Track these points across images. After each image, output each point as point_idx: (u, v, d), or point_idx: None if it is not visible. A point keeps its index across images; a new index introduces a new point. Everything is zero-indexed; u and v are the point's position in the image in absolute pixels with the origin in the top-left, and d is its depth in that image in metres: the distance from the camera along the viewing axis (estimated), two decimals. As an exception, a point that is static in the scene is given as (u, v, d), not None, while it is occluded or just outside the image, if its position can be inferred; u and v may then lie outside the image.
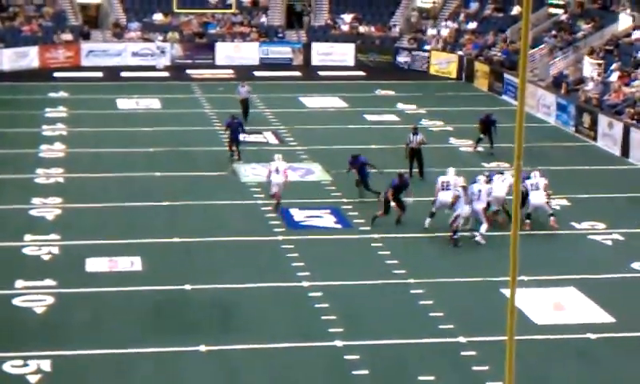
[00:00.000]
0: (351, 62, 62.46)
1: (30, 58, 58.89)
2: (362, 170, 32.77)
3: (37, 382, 20.24)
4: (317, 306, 24.34)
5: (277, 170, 32.04)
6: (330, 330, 22.88)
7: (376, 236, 29.16)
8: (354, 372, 20.94)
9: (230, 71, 58.96)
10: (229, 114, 39.36)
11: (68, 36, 61.51)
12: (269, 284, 25.78)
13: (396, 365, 21.40)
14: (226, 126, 38.33)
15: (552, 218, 30.42)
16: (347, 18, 66.10)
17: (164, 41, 61.66)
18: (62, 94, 51.17)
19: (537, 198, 30.27)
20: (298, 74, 59.67)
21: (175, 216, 31.31)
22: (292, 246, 28.45)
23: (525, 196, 30.15)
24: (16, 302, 24.21)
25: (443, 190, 29.88)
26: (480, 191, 29.38)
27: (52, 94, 50.78)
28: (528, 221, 30.10)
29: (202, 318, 23.57)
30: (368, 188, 32.50)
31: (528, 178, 30.62)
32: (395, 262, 27.35)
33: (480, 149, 39.93)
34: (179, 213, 31.63)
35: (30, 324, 23.10)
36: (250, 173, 36.01)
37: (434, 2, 66.87)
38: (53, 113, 46.28)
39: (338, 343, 22.24)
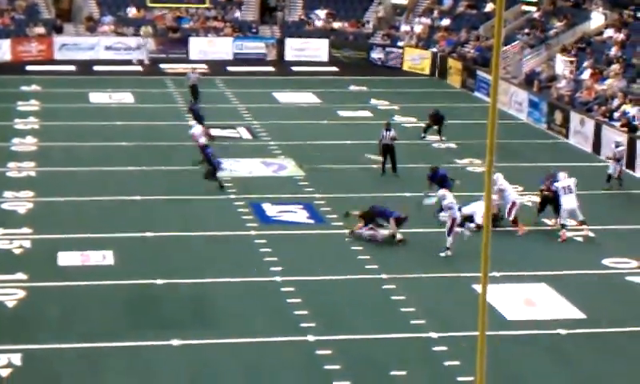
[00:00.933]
0: (325, 58, 62.54)
1: (2, 50, 58.58)
2: (446, 184, 30.56)
3: (7, 376, 20.14)
4: (289, 300, 24.34)
5: None
6: (303, 325, 22.88)
7: (348, 231, 29.17)
8: (327, 366, 20.93)
9: (204, 66, 58.80)
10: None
11: (41, 29, 61.24)
12: (242, 279, 25.74)
13: (368, 359, 21.42)
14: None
15: (563, 230, 29.43)
16: (321, 13, 66.17)
17: (137, 35, 61.44)
18: (35, 87, 50.97)
19: (570, 202, 29.23)
20: (271, 69, 59.67)
21: (148, 211, 31.24)
22: (265, 241, 28.43)
23: (551, 200, 29.88)
24: (-14, 295, 24.13)
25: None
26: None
27: (24, 88, 50.60)
28: (564, 230, 29.28)
29: (174, 313, 23.51)
30: None
31: (555, 180, 29.99)
32: (368, 257, 27.39)
33: (452, 145, 40.15)
34: (152, 207, 31.56)
35: (1, 318, 22.97)
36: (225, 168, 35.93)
37: (407, -2, 67.03)
38: (25, 106, 46.10)
39: (311, 338, 22.25)
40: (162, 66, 58.80)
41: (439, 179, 31.15)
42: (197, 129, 36.39)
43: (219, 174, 33.42)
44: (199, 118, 39.96)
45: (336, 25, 65.37)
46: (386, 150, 35.54)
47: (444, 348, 21.92)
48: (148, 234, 28.92)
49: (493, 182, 28.12)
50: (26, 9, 63.45)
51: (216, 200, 32.35)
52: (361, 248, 28.12)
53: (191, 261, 26.98)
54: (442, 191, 28.81)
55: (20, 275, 25.32)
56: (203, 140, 35.16)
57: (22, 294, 24.24)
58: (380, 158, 35.26)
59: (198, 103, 44.10)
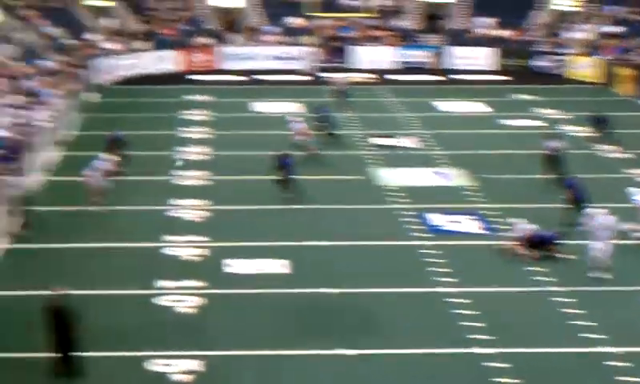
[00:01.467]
0: (488, 66, 61.82)
1: (167, 61, 59.88)
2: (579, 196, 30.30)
3: (181, 382, 20.48)
4: (456, 312, 24.13)
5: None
6: (469, 337, 22.66)
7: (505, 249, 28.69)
8: (494, 379, 20.66)
9: (366, 75, 58.92)
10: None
11: (205, 40, 62.39)
12: (410, 289, 25.65)
13: (538, 373, 21.04)
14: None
15: None
16: (485, 21, 65.49)
17: (300, 44, 61.96)
18: (199, 97, 51.84)
19: None
20: (434, 77, 59.31)
21: (319, 219, 31.36)
22: (432, 251, 28.24)
23: None
24: (158, 301, 24.58)
25: None
26: None
27: (189, 97, 51.50)
28: None
29: (345, 322, 23.54)
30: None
31: None
32: (539, 269, 26.90)
33: (628, 155, 39.13)
34: (322, 216, 31.67)
35: (175, 324, 23.40)
36: (389, 177, 35.85)
37: (573, 5, 65.73)
38: (189, 115, 46.90)
39: (477, 350, 22.00)
40: (324, 74, 59.07)
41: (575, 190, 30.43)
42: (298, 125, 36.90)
43: (290, 186, 33.36)
44: (329, 123, 40.28)
45: (499, 33, 64.61)
46: (551, 161, 34.84)
47: (620, 363, 21.32)
48: (319, 242, 29.02)
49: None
50: (191, 20, 64.79)
51: (381, 210, 32.27)
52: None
53: (360, 270, 26.96)
54: None
55: (196, 282, 25.76)
56: (298, 138, 35.53)
57: (198, 301, 24.63)
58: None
59: (328, 109, 43.69)
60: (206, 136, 42.67)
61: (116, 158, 35.02)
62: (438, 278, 26.19)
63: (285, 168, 33.35)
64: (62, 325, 20.09)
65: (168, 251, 28.26)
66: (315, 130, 40.64)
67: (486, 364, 21.32)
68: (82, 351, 20.54)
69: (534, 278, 26.31)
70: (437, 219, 31.19)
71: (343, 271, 26.85)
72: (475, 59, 62.01)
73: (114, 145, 36.49)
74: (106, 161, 33.31)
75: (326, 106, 43.14)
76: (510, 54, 62.37)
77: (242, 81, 57.25)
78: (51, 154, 37.99)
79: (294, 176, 33.23)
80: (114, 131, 37.69)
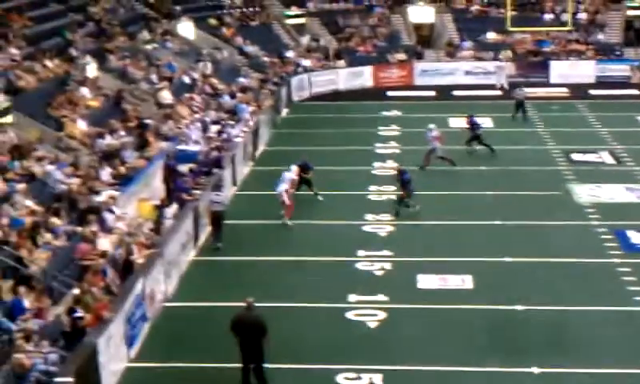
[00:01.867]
0: (692, 80, 59.53)
1: (364, 77, 60.25)
2: None
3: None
4: (656, 331, 23.27)
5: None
6: (671, 357, 21.80)
7: None
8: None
9: (565, 90, 57.74)
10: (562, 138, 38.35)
11: (401, 56, 62.49)
12: (603, 307, 24.86)
13: None
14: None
15: None
16: (689, 33, 63.30)
17: (496, 59, 61.26)
18: (395, 112, 51.86)
19: None
20: (636, 92, 57.51)
21: (506, 235, 30.87)
22: (629, 269, 27.31)
23: None
24: (349, 315, 24.60)
25: None
26: None
27: (385, 113, 51.56)
28: None
29: (533, 340, 23.00)
30: None
31: None
32: None
33: None
34: (510, 232, 31.15)
35: (363, 338, 23.38)
36: (586, 193, 34.97)
37: None
38: (386, 131, 46.94)
39: (679, 371, 21.15)
40: (519, 90, 58.08)
41: None
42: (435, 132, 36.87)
43: (410, 202, 32.80)
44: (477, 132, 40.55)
45: None
46: None
47: None
48: (506, 258, 28.54)
49: None
50: (388, 36, 65.05)
51: (576, 226, 31.48)
52: None
53: (550, 287, 26.33)
54: None
55: (381, 297, 25.70)
56: (434, 144, 35.50)
57: (382, 315, 24.57)
58: None
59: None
60: (398, 151, 42.66)
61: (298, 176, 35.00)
62: (636, 298, 25.29)
63: (404, 183, 33.03)
64: (251, 337, 20.30)
65: (361, 266, 28.33)
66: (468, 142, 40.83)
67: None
68: (269, 363, 20.74)
69: None
70: (634, 237, 30.16)
71: (532, 288, 26.24)
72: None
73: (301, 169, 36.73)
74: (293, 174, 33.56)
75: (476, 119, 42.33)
76: None
77: (438, 96, 56.95)
78: (243, 169, 38.70)
79: (411, 191, 32.94)
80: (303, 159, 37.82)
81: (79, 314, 21.49)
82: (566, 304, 25.03)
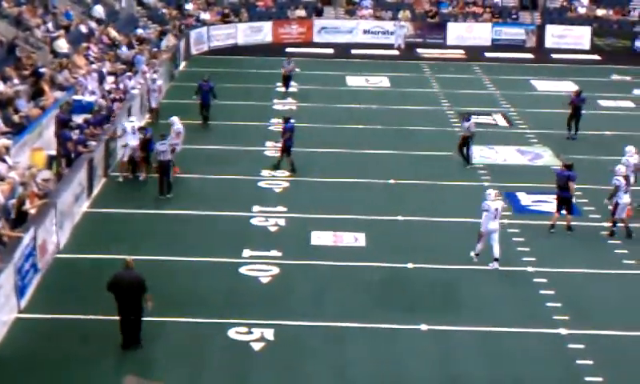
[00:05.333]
0: (587, 46, 60.68)
1: (264, 32, 60.08)
2: None
3: (260, 350, 20.58)
4: (542, 292, 23.81)
5: (133, 131, 32.03)
6: (555, 317, 22.35)
7: (606, 224, 28.19)
8: (578, 361, 20.34)
9: (461, 51, 58.42)
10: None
11: (301, 12, 62.41)
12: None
13: (622, 357, 20.67)
14: (197, 88, 38.92)
15: None
16: (584, 0, 64.34)
17: (395, 19, 61.60)
18: (298, 69, 51.80)
19: None
20: (530, 56, 58.49)
21: (399, 194, 31.24)
22: (518, 231, 27.90)
23: None
24: (243, 270, 24.69)
25: None
26: None
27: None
28: None
29: (423, 298, 23.41)
30: None
31: None
32: (625, 251, 26.42)
33: None
34: (403, 191, 31.54)
35: (256, 293, 23.50)
36: (478, 154, 35.48)
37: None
38: (284, 87, 46.92)
39: (563, 331, 21.67)
40: (418, 50, 58.70)
41: None
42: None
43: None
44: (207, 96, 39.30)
45: (600, 12, 63.44)
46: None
47: None
48: (399, 217, 28.91)
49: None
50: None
51: (468, 186, 31.97)
52: (618, 242, 27.16)
53: (441, 247, 26.75)
54: None
55: (275, 252, 25.84)
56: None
57: (276, 270, 24.72)
58: None
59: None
60: (295, 107, 42.75)
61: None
62: (524, 258, 25.88)
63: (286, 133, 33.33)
64: (130, 295, 20.16)
65: (256, 222, 28.41)
66: None
67: (572, 346, 21.04)
68: (160, 317, 20.75)
69: (623, 261, 25.87)
70: (523, 199, 30.80)
71: (423, 247, 26.66)
72: (575, 38, 60.89)
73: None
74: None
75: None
76: (611, 34, 61.21)
77: (336, 54, 57.09)
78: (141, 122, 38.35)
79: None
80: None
81: (-32, 263, 21.20)
82: (455, 263, 25.44)
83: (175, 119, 33.31)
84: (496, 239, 25.25)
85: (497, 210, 25.34)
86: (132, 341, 20.40)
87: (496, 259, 25.24)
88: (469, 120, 34.23)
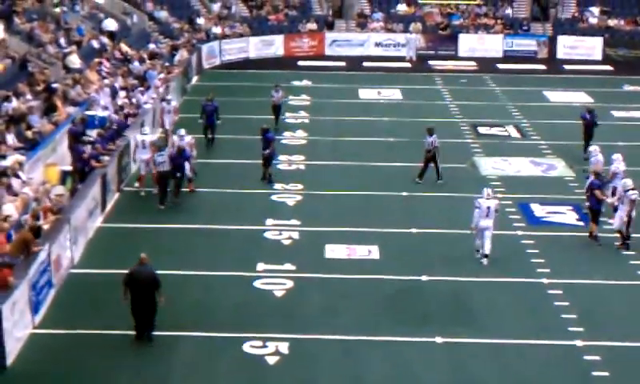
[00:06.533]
0: (598, 56, 60.67)
1: (275, 46, 60.19)
2: None
3: (275, 364, 20.56)
4: (556, 303, 23.74)
5: (144, 145, 31.90)
6: (570, 329, 22.28)
7: (619, 236, 28.12)
8: (594, 373, 20.27)
9: (473, 63, 58.44)
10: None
11: (313, 25, 62.52)
12: (507, 279, 25.32)
13: (638, 368, 20.58)
14: (202, 110, 37.92)
15: None
16: (595, 10, 64.32)
17: (407, 31, 61.67)
18: (306, 82, 51.93)
19: None
20: (542, 67, 58.46)
21: (413, 207, 31.21)
22: (532, 242, 27.85)
23: None
24: (257, 284, 24.68)
25: None
26: None
27: (296, 82, 51.58)
28: None
29: (437, 310, 23.36)
30: None
31: None
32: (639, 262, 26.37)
33: None
34: (417, 203, 31.50)
35: (270, 306, 23.48)
36: (491, 166, 35.47)
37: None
38: (296, 101, 47.00)
39: (578, 343, 21.60)
40: (430, 62, 58.74)
41: None
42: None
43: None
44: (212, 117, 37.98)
45: (611, 22, 63.38)
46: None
47: None
48: (413, 230, 28.87)
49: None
50: (300, 5, 64.99)
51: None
52: (633, 253, 27.07)
53: (455, 259, 26.69)
54: None
55: (288, 266, 25.83)
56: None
57: (290, 284, 24.70)
58: None
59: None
60: (307, 120, 42.78)
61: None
62: (539, 269, 25.84)
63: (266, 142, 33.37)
64: (144, 291, 20.86)
65: (269, 235, 28.40)
66: None
67: (587, 358, 20.95)
68: (176, 331, 20.78)
69: (637, 272, 25.78)
70: (537, 210, 30.74)
71: (438, 259, 26.64)
72: (587, 49, 60.88)
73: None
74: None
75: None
76: (623, 44, 61.14)
77: (348, 67, 57.13)
78: (153, 137, 38.37)
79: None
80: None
81: (-17, 279, 21.23)
82: (469, 275, 25.40)
83: (183, 131, 33.16)
84: (489, 237, 25.93)
85: (489, 208, 25.91)
86: (144, 332, 21.04)
87: (485, 256, 25.92)
88: (432, 136, 33.84)
